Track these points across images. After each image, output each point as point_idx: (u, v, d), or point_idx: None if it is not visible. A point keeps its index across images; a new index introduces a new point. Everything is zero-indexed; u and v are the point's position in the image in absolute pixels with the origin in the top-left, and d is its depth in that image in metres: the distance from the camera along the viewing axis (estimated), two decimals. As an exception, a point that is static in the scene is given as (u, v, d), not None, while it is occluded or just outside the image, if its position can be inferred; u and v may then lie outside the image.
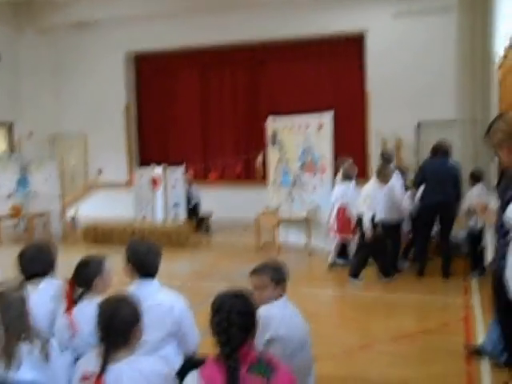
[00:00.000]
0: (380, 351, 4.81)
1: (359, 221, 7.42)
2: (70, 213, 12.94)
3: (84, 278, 3.30)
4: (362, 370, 4.41)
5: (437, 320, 5.72)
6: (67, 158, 15.38)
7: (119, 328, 2.49)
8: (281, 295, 3.23)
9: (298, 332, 3.13)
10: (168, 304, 3.20)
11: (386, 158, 8.36)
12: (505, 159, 3.40)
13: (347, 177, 8.26)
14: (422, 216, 7.59)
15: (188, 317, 3.29)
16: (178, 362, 3.24)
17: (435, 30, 12.43)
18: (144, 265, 3.29)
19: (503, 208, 3.43)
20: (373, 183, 7.49)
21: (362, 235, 7.37)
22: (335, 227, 8.38)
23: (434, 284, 7.28)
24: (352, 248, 8.34)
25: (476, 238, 7.57)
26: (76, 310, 3.20)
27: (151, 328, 2.97)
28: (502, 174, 4.21)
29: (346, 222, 8.23)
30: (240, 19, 14.04)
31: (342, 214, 8.25)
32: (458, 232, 8.26)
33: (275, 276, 3.23)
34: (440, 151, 7.60)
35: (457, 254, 8.15)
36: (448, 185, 7.45)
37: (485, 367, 4.41)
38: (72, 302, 3.23)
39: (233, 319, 2.37)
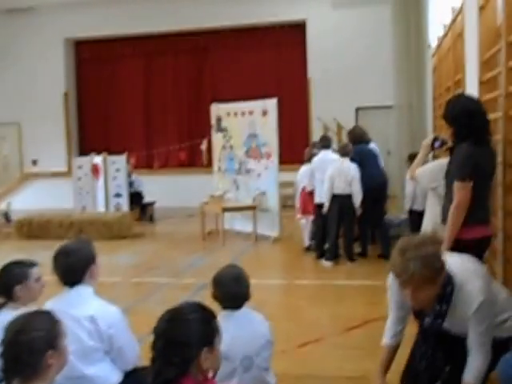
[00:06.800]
0: (333, 344, 4.62)
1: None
2: (3, 206, 12.25)
3: (2, 285, 2.90)
4: (316, 366, 4.18)
5: (387, 305, 5.59)
6: (-1, 148, 14.69)
7: (24, 357, 1.94)
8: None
9: (243, 349, 2.79)
10: (91, 317, 2.79)
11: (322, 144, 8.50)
12: (415, 300, 2.73)
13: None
14: (367, 199, 7.52)
15: (122, 329, 2.86)
16: (115, 379, 2.85)
17: (372, 18, 12.70)
18: (69, 272, 2.88)
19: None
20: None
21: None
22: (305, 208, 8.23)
23: (378, 267, 7.15)
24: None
25: (418, 219, 7.49)
26: None
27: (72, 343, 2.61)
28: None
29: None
30: (183, 6, 13.83)
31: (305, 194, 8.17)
32: (398, 215, 8.44)
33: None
34: (364, 138, 8.08)
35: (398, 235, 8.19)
36: (380, 167, 8.00)
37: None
38: None
39: (162, 350, 1.93)
